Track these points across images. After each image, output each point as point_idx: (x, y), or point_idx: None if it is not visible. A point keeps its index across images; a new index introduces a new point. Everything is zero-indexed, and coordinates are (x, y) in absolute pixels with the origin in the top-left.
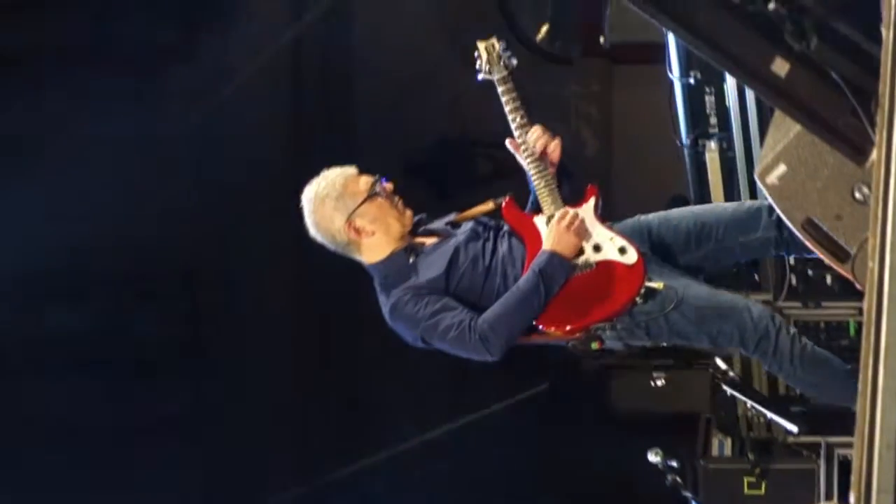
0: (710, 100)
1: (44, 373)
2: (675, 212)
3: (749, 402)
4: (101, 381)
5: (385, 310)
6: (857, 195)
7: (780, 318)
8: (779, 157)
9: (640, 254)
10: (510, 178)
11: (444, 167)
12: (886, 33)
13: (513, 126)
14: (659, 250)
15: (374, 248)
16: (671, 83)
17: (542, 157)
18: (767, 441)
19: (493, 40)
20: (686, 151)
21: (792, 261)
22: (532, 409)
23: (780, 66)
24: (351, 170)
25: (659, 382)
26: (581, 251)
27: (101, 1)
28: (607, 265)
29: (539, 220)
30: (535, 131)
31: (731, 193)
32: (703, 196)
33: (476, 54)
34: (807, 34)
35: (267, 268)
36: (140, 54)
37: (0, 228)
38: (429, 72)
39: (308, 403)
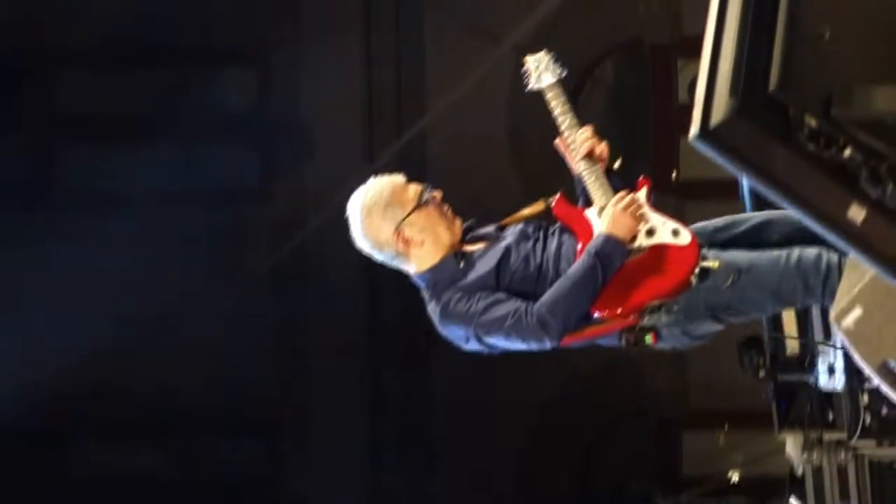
0: None
1: None
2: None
3: None
4: None
5: (435, 316)
6: None
7: (830, 250)
8: (854, 300)
9: (694, 235)
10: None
11: None
12: None
13: (562, 128)
14: (715, 242)
15: (423, 258)
16: None
17: (591, 156)
18: None
19: (543, 53)
20: None
21: (866, 399)
22: None
23: (856, 213)
24: (399, 178)
25: None
26: (634, 237)
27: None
28: (660, 248)
29: (590, 213)
30: (586, 131)
31: (804, 333)
32: (778, 334)
33: (524, 68)
34: (883, 180)
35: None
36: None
37: None
38: None
39: None
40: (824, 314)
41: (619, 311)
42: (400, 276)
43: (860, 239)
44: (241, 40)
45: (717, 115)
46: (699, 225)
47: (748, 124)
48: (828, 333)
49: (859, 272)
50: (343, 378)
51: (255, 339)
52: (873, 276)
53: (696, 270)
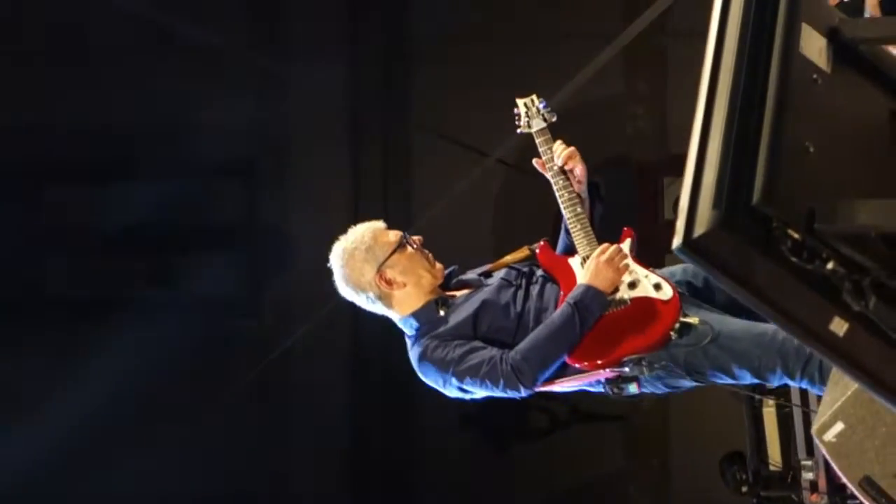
0: None
1: None
2: None
3: None
4: None
5: (414, 361)
6: None
7: None
8: (836, 414)
9: (676, 290)
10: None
11: None
12: None
13: (550, 177)
14: (696, 292)
15: (405, 301)
16: None
17: (565, 172)
18: None
19: (534, 96)
20: (744, 406)
21: None
22: None
23: (839, 326)
24: (379, 223)
25: None
26: (616, 288)
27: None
28: (642, 301)
29: (574, 262)
30: (560, 144)
31: (787, 449)
32: (760, 451)
33: (515, 110)
34: (865, 294)
35: None
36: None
37: None
38: None
39: None
40: (807, 429)
41: (599, 363)
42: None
43: (842, 352)
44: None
45: (700, 227)
46: (678, 269)
47: (731, 236)
48: (810, 448)
49: (841, 386)
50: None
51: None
52: (855, 390)
53: (676, 326)
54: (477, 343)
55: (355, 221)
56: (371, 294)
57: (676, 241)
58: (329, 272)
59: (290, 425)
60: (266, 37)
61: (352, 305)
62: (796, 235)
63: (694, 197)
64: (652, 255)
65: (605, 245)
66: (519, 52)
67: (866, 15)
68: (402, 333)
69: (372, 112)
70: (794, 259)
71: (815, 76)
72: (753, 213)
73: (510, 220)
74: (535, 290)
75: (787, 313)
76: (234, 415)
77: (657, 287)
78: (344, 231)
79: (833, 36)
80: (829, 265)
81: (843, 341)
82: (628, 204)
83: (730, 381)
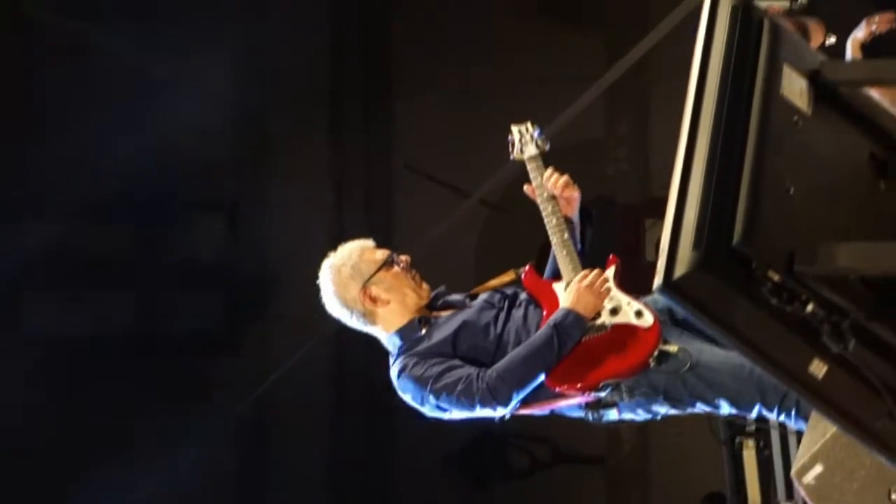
0: None
1: None
2: None
3: None
4: None
5: (393, 378)
6: (894, 496)
7: None
8: (815, 456)
9: (658, 318)
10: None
11: None
12: None
13: (539, 203)
14: (677, 321)
15: (389, 319)
16: None
17: (556, 199)
18: None
19: (528, 124)
20: (723, 448)
21: None
22: None
23: (818, 368)
24: (367, 242)
25: None
26: (598, 314)
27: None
28: (623, 327)
29: (558, 287)
30: (551, 171)
31: (766, 491)
32: (740, 493)
33: (509, 137)
34: (845, 337)
35: None
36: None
37: None
38: None
39: None
40: (787, 471)
41: (578, 386)
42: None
43: (821, 395)
44: (209, 188)
45: (681, 267)
46: (656, 299)
47: (711, 277)
48: (790, 491)
49: (821, 428)
50: None
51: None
52: (835, 432)
53: (655, 353)
54: (455, 362)
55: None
56: (356, 311)
57: (657, 281)
58: (310, 307)
59: (269, 465)
60: (251, 73)
61: (334, 344)
62: (776, 277)
63: (675, 237)
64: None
65: (587, 270)
66: (502, 93)
67: (847, 58)
68: (386, 366)
69: (355, 149)
70: (773, 300)
71: (795, 118)
72: (734, 254)
73: (490, 259)
74: (517, 312)
75: (767, 354)
76: (214, 449)
77: (639, 314)
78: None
79: (814, 78)
80: (809, 307)
81: (822, 383)
82: (610, 245)
83: (708, 409)
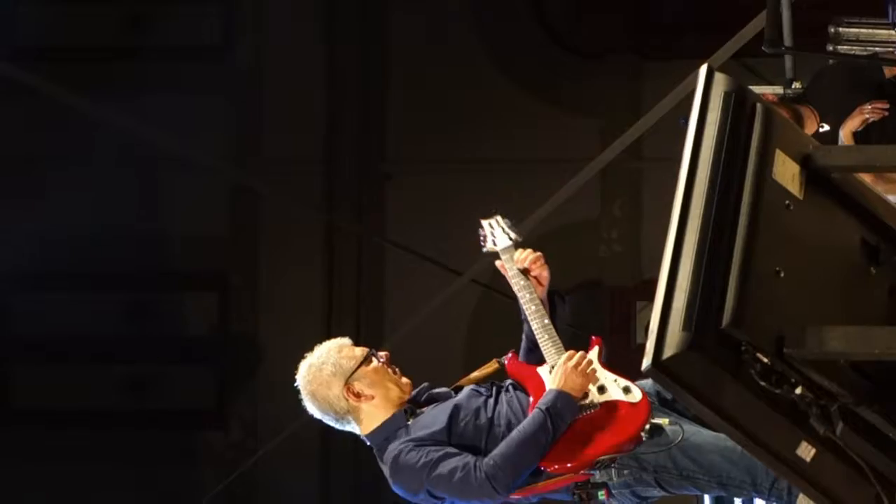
0: None
1: None
2: None
3: None
4: None
5: (386, 469)
6: None
7: None
8: None
9: (645, 393)
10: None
11: None
12: None
13: (516, 290)
14: (666, 402)
15: (373, 414)
16: None
17: (527, 273)
18: None
19: (498, 217)
20: None
21: None
22: None
23: (806, 451)
24: (344, 340)
25: None
26: (586, 394)
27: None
28: (611, 404)
29: (542, 370)
30: (523, 252)
31: None
32: None
33: (480, 231)
34: (833, 420)
35: None
36: None
37: None
38: None
39: None
40: None
41: (569, 465)
42: None
43: (809, 477)
44: (200, 262)
45: (670, 348)
46: (649, 381)
47: (700, 358)
48: None
49: None
50: None
51: None
52: None
53: (647, 427)
54: (451, 449)
55: (328, 335)
56: (339, 408)
57: (646, 361)
58: (297, 388)
59: None
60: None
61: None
62: (765, 360)
63: (664, 318)
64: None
65: (572, 352)
66: (495, 173)
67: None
68: (371, 450)
69: (347, 227)
70: (762, 383)
71: (787, 202)
72: (723, 336)
73: (483, 336)
74: (505, 397)
75: (755, 437)
76: None
77: (626, 390)
78: (315, 344)
79: (807, 163)
80: (798, 390)
81: (809, 467)
82: (600, 327)
83: (697, 491)
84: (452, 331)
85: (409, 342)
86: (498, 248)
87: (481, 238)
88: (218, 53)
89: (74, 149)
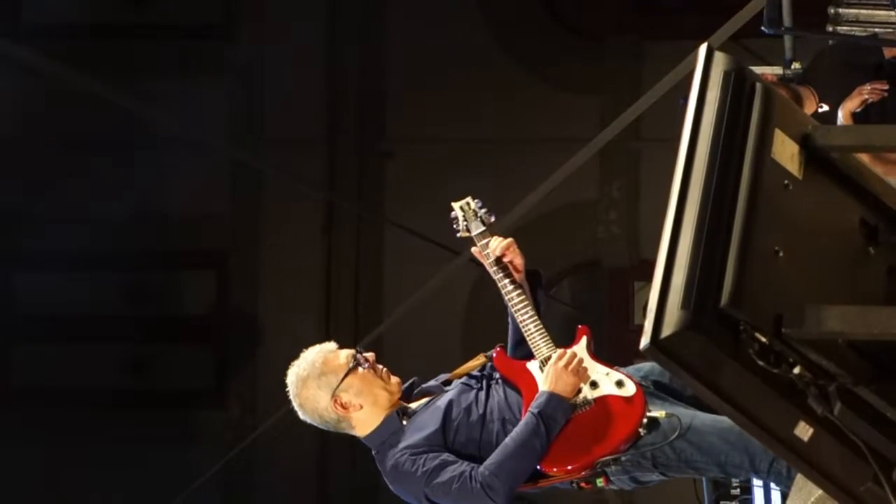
0: None
1: None
2: None
3: None
4: None
5: (386, 475)
6: None
7: None
8: None
9: (639, 385)
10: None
11: None
12: None
13: (496, 280)
14: (664, 387)
15: (364, 421)
16: None
17: (501, 261)
18: None
19: (469, 199)
20: None
21: None
22: None
23: (803, 431)
24: (329, 345)
25: None
26: (578, 391)
27: None
28: (606, 400)
29: (532, 366)
30: (504, 240)
31: None
32: None
33: (452, 214)
34: (831, 400)
35: None
36: None
37: None
38: None
39: None
40: None
41: (569, 468)
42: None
43: (806, 457)
44: (200, 242)
45: (668, 327)
46: (647, 365)
47: (698, 338)
48: None
49: (805, 492)
50: None
51: None
52: (820, 495)
53: (644, 421)
54: (448, 456)
55: (327, 314)
56: (330, 419)
57: (644, 340)
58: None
59: None
60: (245, 130)
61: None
62: (764, 339)
63: (662, 297)
64: (622, 359)
65: (562, 351)
66: (495, 153)
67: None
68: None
69: (347, 206)
70: (760, 362)
71: (786, 181)
72: (721, 315)
73: (481, 315)
74: (497, 392)
75: (752, 416)
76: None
77: (619, 384)
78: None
79: (806, 142)
80: (796, 370)
81: (807, 446)
82: (599, 307)
83: (695, 474)
84: (450, 309)
85: (408, 321)
86: (472, 234)
87: (454, 223)
88: (219, 32)
89: (75, 129)
